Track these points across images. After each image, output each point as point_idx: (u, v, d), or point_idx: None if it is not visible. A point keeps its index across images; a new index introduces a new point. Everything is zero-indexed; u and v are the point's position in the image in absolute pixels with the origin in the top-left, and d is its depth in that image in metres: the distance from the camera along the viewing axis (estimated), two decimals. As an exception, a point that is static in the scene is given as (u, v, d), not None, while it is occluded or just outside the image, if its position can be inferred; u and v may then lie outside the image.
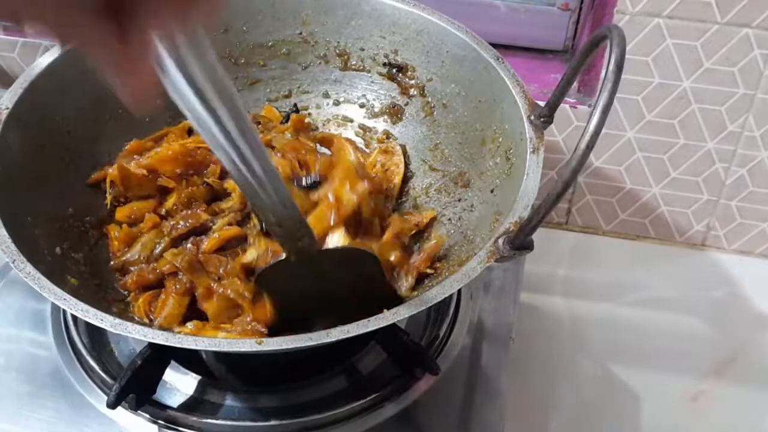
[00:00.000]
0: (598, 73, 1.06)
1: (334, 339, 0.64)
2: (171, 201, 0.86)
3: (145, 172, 0.86)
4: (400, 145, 0.94)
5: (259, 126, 0.94)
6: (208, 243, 0.82)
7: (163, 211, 0.86)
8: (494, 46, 0.86)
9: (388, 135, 0.95)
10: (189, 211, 0.85)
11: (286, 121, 0.95)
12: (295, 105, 0.98)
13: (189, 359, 0.84)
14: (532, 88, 0.83)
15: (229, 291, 0.78)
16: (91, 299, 0.69)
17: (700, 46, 0.99)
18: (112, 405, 0.75)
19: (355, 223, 0.80)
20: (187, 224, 0.84)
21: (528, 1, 1.10)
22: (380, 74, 0.95)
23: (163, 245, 0.83)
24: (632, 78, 1.02)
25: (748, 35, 0.97)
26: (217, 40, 0.94)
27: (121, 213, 0.86)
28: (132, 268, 0.83)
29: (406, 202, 0.91)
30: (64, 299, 0.67)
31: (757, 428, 1.02)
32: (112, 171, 0.86)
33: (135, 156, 0.88)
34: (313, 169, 0.84)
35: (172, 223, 0.85)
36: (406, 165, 0.93)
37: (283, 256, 0.72)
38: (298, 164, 0.85)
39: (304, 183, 0.81)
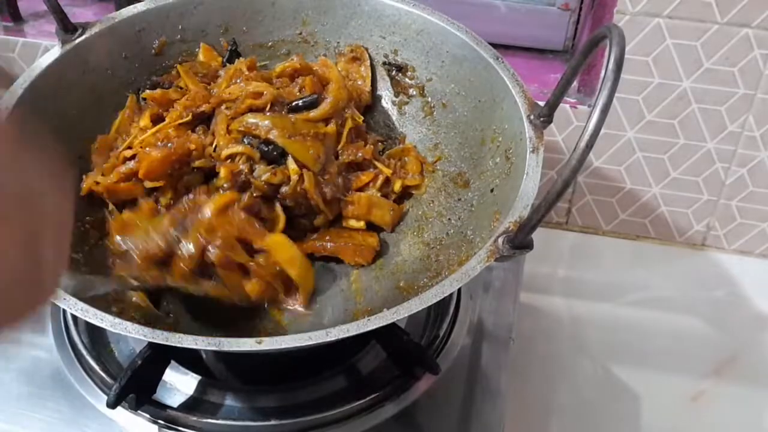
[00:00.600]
0: (598, 72, 1.06)
1: (333, 338, 0.64)
2: (167, 197, 0.86)
3: (131, 185, 0.85)
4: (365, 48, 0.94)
5: (202, 77, 0.92)
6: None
7: (162, 210, 0.86)
8: (494, 46, 0.86)
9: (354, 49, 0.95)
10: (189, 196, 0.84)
11: (230, 62, 0.94)
12: (234, 41, 0.95)
13: (189, 359, 0.84)
14: (532, 88, 0.83)
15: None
16: (91, 299, 0.69)
17: (700, 46, 0.99)
18: (112, 405, 0.75)
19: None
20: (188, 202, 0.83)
21: (528, 1, 1.11)
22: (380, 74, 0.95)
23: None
24: (632, 78, 1.02)
25: (748, 35, 0.97)
26: (217, 40, 0.94)
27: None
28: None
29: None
30: (64, 299, 0.67)
31: (757, 428, 1.02)
32: (96, 185, 0.85)
33: (111, 154, 0.87)
34: (305, 89, 0.86)
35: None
36: (373, 71, 0.94)
37: None
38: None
39: (301, 104, 0.84)
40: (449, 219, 0.86)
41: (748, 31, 0.97)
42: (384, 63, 0.94)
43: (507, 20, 1.13)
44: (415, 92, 0.93)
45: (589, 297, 1.13)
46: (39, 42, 1.16)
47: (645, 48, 1.00)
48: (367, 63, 0.93)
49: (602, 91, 0.57)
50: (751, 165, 1.08)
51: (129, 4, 0.91)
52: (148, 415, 0.79)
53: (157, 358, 0.78)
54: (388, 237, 0.88)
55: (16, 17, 1.20)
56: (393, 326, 0.79)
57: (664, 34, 0.99)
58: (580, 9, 1.10)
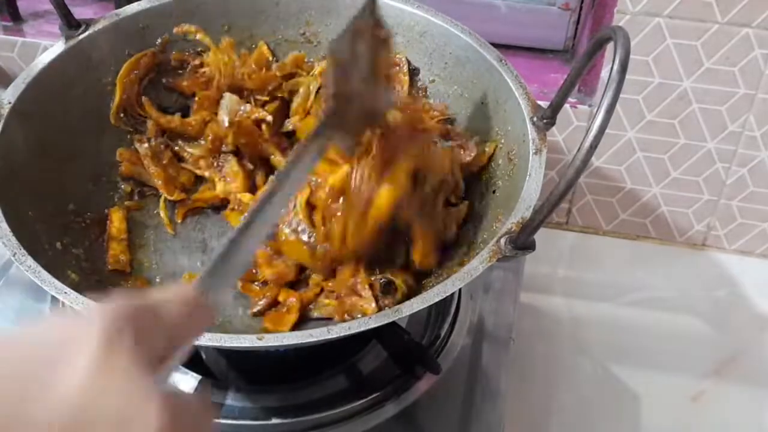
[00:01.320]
0: (598, 73, 1.06)
1: (334, 336, 0.64)
2: None
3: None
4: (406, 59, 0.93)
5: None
6: None
7: None
8: (495, 46, 0.86)
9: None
10: None
11: None
12: None
13: (189, 358, 0.83)
14: (532, 88, 0.83)
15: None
16: (91, 295, 0.69)
17: (701, 45, 0.99)
18: (112, 404, 0.75)
19: None
20: None
21: (528, 1, 1.10)
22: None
23: None
24: (633, 78, 1.02)
25: (749, 35, 0.97)
26: (218, 39, 0.94)
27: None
28: None
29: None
30: (65, 293, 0.67)
31: (757, 428, 1.02)
32: None
33: None
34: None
35: None
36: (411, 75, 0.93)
37: None
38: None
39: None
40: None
41: (749, 31, 0.97)
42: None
43: (507, 20, 1.13)
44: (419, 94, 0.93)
45: (589, 297, 1.13)
46: (38, 42, 1.15)
47: (645, 48, 1.00)
48: (405, 69, 0.92)
49: (607, 93, 0.57)
50: (752, 165, 1.08)
51: (129, 2, 0.91)
52: (148, 415, 0.79)
53: (158, 357, 0.78)
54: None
55: (16, 17, 1.20)
56: (394, 326, 0.79)
57: (665, 33, 0.99)
58: (581, 9, 1.09)
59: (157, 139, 0.90)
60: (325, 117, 0.69)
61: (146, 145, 0.89)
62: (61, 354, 0.36)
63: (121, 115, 0.90)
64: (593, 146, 0.57)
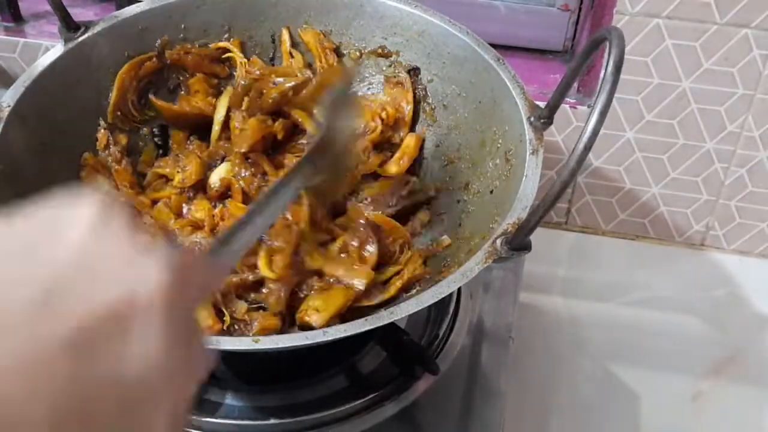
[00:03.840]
0: (598, 73, 1.06)
1: (330, 338, 0.65)
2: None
3: None
4: (407, 71, 0.93)
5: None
6: None
7: None
8: (494, 46, 0.86)
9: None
10: None
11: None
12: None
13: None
14: (531, 89, 0.83)
15: None
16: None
17: (700, 46, 0.99)
18: (112, 404, 0.76)
19: None
20: None
21: (528, 2, 1.11)
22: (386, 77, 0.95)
23: None
24: (632, 78, 1.02)
25: (748, 36, 0.97)
26: (217, 39, 0.94)
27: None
28: None
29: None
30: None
31: (757, 428, 1.02)
32: None
33: None
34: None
35: None
36: (415, 93, 0.93)
37: None
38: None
39: None
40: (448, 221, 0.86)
41: (748, 32, 0.97)
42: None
43: (506, 21, 1.13)
44: (419, 93, 0.93)
45: (588, 297, 1.13)
46: (40, 42, 1.16)
47: (644, 48, 1.00)
48: (408, 87, 0.93)
49: (601, 93, 0.57)
50: (751, 165, 1.08)
51: (130, 3, 0.91)
52: (148, 414, 0.79)
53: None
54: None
55: (17, 18, 1.20)
56: (393, 326, 0.79)
57: (664, 34, 0.99)
58: (580, 9, 1.10)
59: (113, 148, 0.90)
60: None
61: (112, 149, 0.89)
62: (64, 218, 0.38)
63: (118, 113, 0.90)
64: (587, 147, 0.58)
